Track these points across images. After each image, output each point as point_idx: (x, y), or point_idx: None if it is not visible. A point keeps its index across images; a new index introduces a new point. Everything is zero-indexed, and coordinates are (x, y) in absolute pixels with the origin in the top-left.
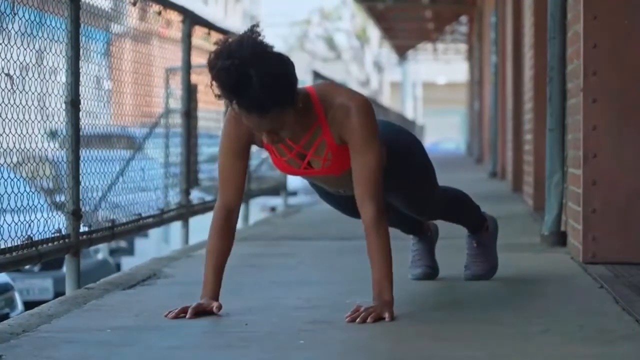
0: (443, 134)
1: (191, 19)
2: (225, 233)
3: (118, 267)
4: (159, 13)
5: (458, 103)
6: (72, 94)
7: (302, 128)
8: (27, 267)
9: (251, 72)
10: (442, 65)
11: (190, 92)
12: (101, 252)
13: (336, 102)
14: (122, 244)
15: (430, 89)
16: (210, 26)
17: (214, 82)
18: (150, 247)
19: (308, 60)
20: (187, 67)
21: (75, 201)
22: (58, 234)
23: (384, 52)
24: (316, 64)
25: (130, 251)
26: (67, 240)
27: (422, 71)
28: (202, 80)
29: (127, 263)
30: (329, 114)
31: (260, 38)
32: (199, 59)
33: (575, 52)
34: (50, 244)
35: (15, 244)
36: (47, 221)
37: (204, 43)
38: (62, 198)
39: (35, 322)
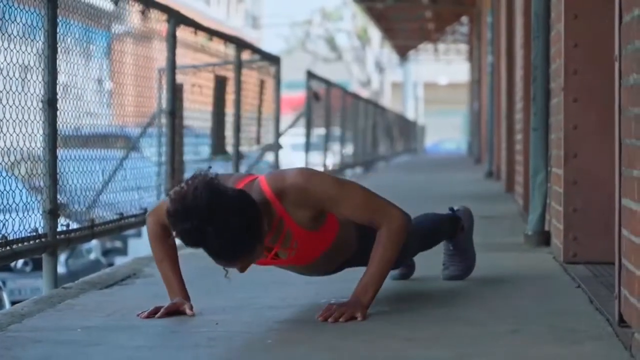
0: (444, 135)
1: (176, 18)
2: (166, 238)
3: None
4: (143, 12)
5: (459, 103)
6: (49, 93)
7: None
8: (18, 267)
9: (210, 231)
10: (444, 66)
11: (175, 91)
12: (94, 252)
13: (286, 188)
14: (117, 244)
15: (431, 90)
16: (195, 25)
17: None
18: (144, 247)
19: (309, 60)
20: (172, 66)
21: (52, 200)
22: (34, 233)
23: (385, 52)
24: (317, 64)
25: (123, 251)
26: (43, 239)
27: (424, 71)
28: (189, 80)
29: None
30: (285, 203)
31: (215, 184)
32: (186, 59)
33: (558, 52)
34: (26, 243)
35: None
36: (22, 220)
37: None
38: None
39: (6, 321)
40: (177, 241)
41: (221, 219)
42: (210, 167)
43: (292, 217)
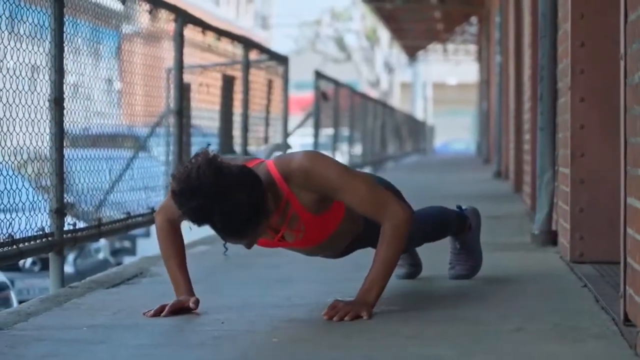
0: (453, 135)
1: (183, 18)
2: (174, 235)
3: None
4: (150, 12)
5: (469, 104)
6: (55, 92)
7: (273, 210)
8: (27, 266)
9: (216, 210)
10: (453, 66)
11: (182, 91)
12: (102, 251)
13: (292, 170)
14: (126, 243)
15: (440, 90)
16: (203, 25)
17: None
18: (152, 247)
19: (319, 61)
20: (180, 65)
21: (59, 199)
22: (41, 232)
23: (394, 52)
24: (327, 64)
25: (132, 251)
26: (50, 238)
27: (433, 72)
28: (197, 79)
29: None
30: (291, 185)
31: (218, 162)
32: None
33: (565, 51)
34: (32, 242)
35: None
36: (29, 219)
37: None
38: (67, 197)
39: (12, 320)
40: (185, 240)
41: (226, 196)
42: (209, 145)
43: (298, 200)
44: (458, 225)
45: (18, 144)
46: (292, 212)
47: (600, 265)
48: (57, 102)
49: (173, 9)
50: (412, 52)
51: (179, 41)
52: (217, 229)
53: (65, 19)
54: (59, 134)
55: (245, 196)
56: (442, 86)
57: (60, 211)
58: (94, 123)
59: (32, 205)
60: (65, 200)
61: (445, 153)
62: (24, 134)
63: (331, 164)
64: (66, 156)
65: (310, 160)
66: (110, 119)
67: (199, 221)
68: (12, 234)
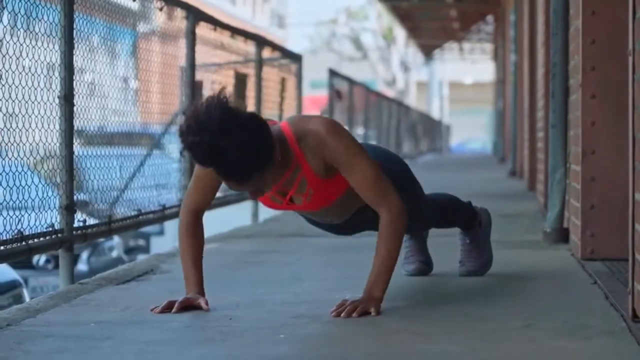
0: (469, 134)
1: (195, 15)
2: (195, 232)
3: None
4: (161, 9)
5: (485, 103)
6: (65, 89)
7: (281, 168)
8: (40, 264)
9: (223, 146)
10: (469, 65)
11: (194, 88)
12: (116, 249)
13: (307, 132)
14: (140, 242)
15: (456, 89)
16: (215, 22)
17: (188, 154)
18: (166, 245)
19: (335, 60)
20: (192, 63)
21: (68, 196)
22: (51, 229)
23: (410, 51)
24: (343, 63)
25: (146, 249)
26: (59, 235)
27: (449, 71)
28: (208, 77)
29: None
30: (304, 148)
31: (229, 104)
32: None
33: (576, 48)
34: (42, 239)
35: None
36: (38, 216)
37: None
38: (81, 195)
39: (21, 316)
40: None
41: (232, 135)
42: (224, 88)
43: (308, 163)
44: (468, 217)
45: (27, 140)
46: (301, 175)
47: (611, 262)
48: (67, 99)
49: (184, 6)
50: (428, 51)
51: (191, 39)
52: (220, 170)
53: (76, 16)
54: (68, 130)
55: (253, 138)
56: (458, 85)
57: (70, 208)
58: (109, 121)
59: (42, 202)
60: (78, 197)
61: (461, 152)
62: (39, 130)
63: (345, 139)
64: (81, 154)
65: (325, 127)
66: (124, 116)
67: (202, 159)
68: (22, 230)
